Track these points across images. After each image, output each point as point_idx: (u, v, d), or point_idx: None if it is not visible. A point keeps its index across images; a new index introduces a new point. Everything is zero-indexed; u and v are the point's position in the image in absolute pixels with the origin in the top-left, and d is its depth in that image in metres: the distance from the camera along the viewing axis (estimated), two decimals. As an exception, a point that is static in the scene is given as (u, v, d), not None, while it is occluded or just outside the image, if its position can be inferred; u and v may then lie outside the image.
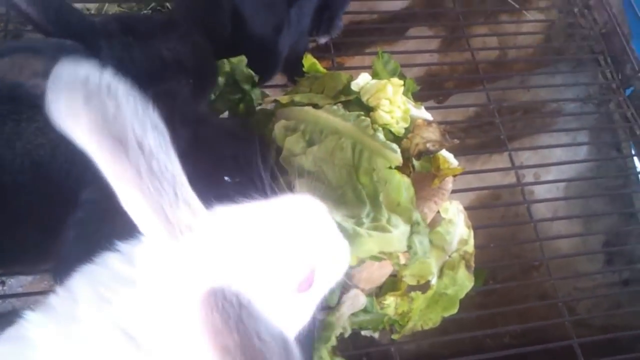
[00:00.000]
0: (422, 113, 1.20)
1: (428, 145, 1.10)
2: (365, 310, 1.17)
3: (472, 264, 1.23)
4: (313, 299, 0.71)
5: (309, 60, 1.32)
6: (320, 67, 1.32)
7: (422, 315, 1.21)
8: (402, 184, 1.03)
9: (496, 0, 2.14)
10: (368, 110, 1.13)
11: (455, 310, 1.22)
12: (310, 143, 1.09)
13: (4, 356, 0.54)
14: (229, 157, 0.95)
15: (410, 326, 1.21)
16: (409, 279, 1.17)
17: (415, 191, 1.11)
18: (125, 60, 1.05)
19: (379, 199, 1.03)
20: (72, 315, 0.56)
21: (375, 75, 1.27)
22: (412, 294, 1.17)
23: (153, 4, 1.81)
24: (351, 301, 1.13)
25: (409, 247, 1.06)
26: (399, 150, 1.05)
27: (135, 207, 0.55)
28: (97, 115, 0.52)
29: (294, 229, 0.68)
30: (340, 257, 0.78)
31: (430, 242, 1.21)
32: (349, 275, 1.12)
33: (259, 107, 1.35)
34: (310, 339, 1.00)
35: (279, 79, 1.59)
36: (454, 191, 1.27)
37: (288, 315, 0.66)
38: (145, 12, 1.79)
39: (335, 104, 1.13)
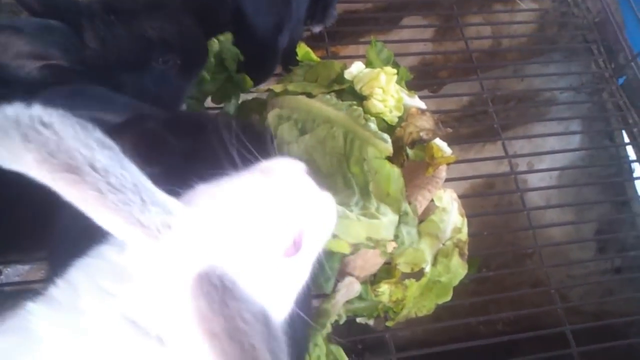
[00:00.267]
0: (415, 102, 1.21)
1: (422, 134, 1.10)
2: (360, 298, 1.18)
3: (466, 252, 1.24)
4: (303, 263, 0.72)
5: (302, 49, 1.32)
6: (314, 56, 1.32)
7: (416, 302, 1.22)
8: (392, 174, 1.04)
9: (490, -10, 2.14)
10: (361, 99, 1.13)
11: (448, 298, 1.24)
12: (302, 132, 1.10)
13: (8, 349, 0.54)
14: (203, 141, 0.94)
15: (405, 313, 1.22)
16: (403, 267, 1.18)
17: (409, 179, 1.12)
18: (109, 40, 1.04)
19: (369, 188, 1.04)
20: (75, 307, 0.56)
21: (368, 64, 1.28)
22: (406, 281, 1.19)
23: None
24: (346, 289, 1.13)
25: (396, 236, 1.07)
26: (389, 140, 1.06)
27: (108, 222, 0.55)
28: (40, 151, 0.51)
29: (276, 194, 0.69)
30: (326, 218, 0.77)
31: (424, 230, 1.23)
32: (344, 263, 1.13)
33: (253, 97, 1.35)
34: (306, 321, 1.01)
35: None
36: (447, 180, 1.27)
37: (279, 281, 0.67)
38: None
39: (328, 92, 1.13)
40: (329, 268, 1.09)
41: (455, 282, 1.23)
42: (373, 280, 1.20)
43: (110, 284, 0.57)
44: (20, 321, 0.56)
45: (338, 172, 1.05)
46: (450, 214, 1.25)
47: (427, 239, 1.22)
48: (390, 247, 1.07)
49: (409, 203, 1.16)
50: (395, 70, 1.17)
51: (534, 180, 1.87)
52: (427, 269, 1.19)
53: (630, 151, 1.86)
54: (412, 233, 1.08)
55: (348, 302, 1.16)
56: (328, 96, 1.11)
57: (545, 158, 1.91)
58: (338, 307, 1.14)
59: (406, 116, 1.14)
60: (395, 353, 1.29)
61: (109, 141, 0.55)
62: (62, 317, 0.56)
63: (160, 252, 0.57)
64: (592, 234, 1.91)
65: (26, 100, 0.53)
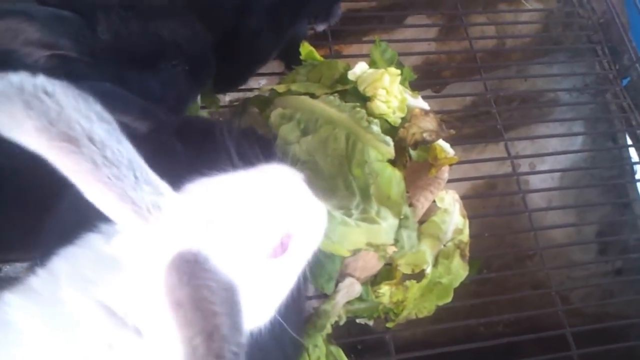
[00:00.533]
0: (419, 102, 1.20)
1: (425, 135, 1.10)
2: (360, 299, 1.18)
3: (467, 253, 1.24)
4: (290, 267, 0.72)
5: (306, 48, 1.31)
6: (317, 55, 1.32)
7: (417, 303, 1.22)
8: (394, 177, 1.04)
9: (495, -11, 2.13)
10: (365, 100, 1.13)
11: (449, 299, 1.23)
12: (305, 132, 1.09)
13: None
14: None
15: (405, 314, 1.22)
16: (403, 268, 1.18)
17: (411, 180, 1.11)
18: (122, 35, 1.03)
19: (370, 191, 1.03)
20: (55, 297, 0.56)
21: (372, 64, 1.27)
22: (407, 282, 1.18)
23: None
24: (346, 289, 1.13)
25: (397, 240, 1.07)
26: (392, 144, 1.05)
27: (100, 197, 0.56)
28: (40, 119, 0.52)
29: (267, 196, 0.69)
30: (316, 223, 0.77)
31: (426, 231, 1.22)
32: (344, 264, 1.13)
33: (254, 95, 1.35)
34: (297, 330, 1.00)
35: (276, 66, 1.58)
36: (449, 180, 1.27)
37: (261, 279, 0.67)
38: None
39: (332, 93, 1.13)
40: (331, 269, 1.09)
41: (456, 284, 1.23)
42: (374, 281, 1.20)
43: (93, 273, 0.57)
44: None
45: (339, 174, 1.05)
46: (452, 215, 1.25)
47: (428, 240, 1.22)
48: (390, 251, 1.06)
49: (411, 204, 1.16)
50: (399, 71, 1.16)
51: (535, 181, 1.87)
52: (428, 270, 1.19)
53: (633, 153, 1.85)
54: (412, 237, 1.08)
55: (348, 303, 1.16)
56: (332, 97, 1.10)
57: (547, 159, 1.90)
58: (338, 308, 1.14)
59: (409, 117, 1.13)
60: (396, 354, 1.28)
61: (107, 115, 0.55)
62: (40, 308, 0.56)
63: (147, 234, 0.58)
64: (593, 236, 1.91)
65: None
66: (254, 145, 0.77)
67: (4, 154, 0.89)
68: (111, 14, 1.02)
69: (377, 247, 1.04)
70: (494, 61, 1.97)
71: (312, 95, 1.13)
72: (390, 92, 1.12)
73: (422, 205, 1.22)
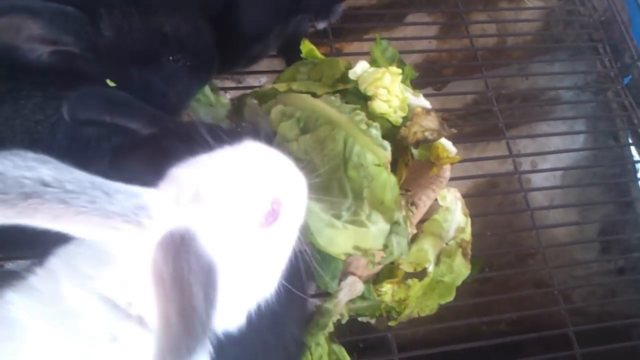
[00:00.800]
0: (420, 101, 1.20)
1: (426, 134, 1.10)
2: (362, 297, 1.18)
3: (469, 252, 1.24)
4: (284, 233, 0.72)
5: (307, 46, 1.31)
6: (318, 53, 1.31)
7: (419, 302, 1.22)
8: (388, 182, 1.03)
9: (496, -13, 2.13)
10: (366, 99, 1.13)
11: (451, 298, 1.23)
12: (304, 131, 1.09)
13: None
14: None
15: (407, 313, 1.22)
16: (405, 267, 1.18)
17: (413, 179, 1.11)
18: (125, 31, 1.03)
19: (363, 194, 1.03)
20: (55, 294, 0.57)
21: (373, 62, 1.27)
22: (409, 281, 1.18)
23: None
24: (349, 288, 1.13)
25: (386, 246, 1.05)
26: (389, 148, 1.05)
27: (88, 226, 0.55)
28: None
29: (250, 167, 0.69)
30: (301, 190, 0.78)
31: (428, 229, 1.22)
32: (346, 262, 1.12)
33: (253, 90, 1.34)
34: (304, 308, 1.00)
35: (277, 64, 1.58)
36: (451, 179, 1.27)
37: (256, 251, 0.68)
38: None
39: (333, 92, 1.12)
40: (333, 268, 1.08)
41: (458, 282, 1.23)
42: (376, 280, 1.20)
43: (91, 269, 0.58)
44: (1, 311, 0.57)
45: (334, 175, 1.04)
46: (454, 213, 1.25)
47: (430, 238, 1.22)
48: (379, 256, 1.06)
49: (413, 203, 1.16)
50: (400, 70, 1.16)
51: (537, 179, 1.86)
52: (430, 268, 1.19)
53: (635, 151, 1.85)
54: (403, 244, 1.06)
55: (350, 301, 1.16)
56: (333, 97, 1.10)
57: (549, 157, 1.90)
58: (340, 306, 1.13)
59: (411, 116, 1.13)
60: (398, 353, 1.28)
61: (44, 156, 0.55)
62: (42, 305, 0.57)
63: (144, 232, 0.58)
64: (595, 235, 1.91)
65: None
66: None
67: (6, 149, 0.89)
68: (114, 10, 1.02)
69: (365, 252, 1.03)
70: (495, 59, 1.97)
71: (314, 95, 1.12)
72: (392, 91, 1.12)
73: (424, 203, 1.21)
